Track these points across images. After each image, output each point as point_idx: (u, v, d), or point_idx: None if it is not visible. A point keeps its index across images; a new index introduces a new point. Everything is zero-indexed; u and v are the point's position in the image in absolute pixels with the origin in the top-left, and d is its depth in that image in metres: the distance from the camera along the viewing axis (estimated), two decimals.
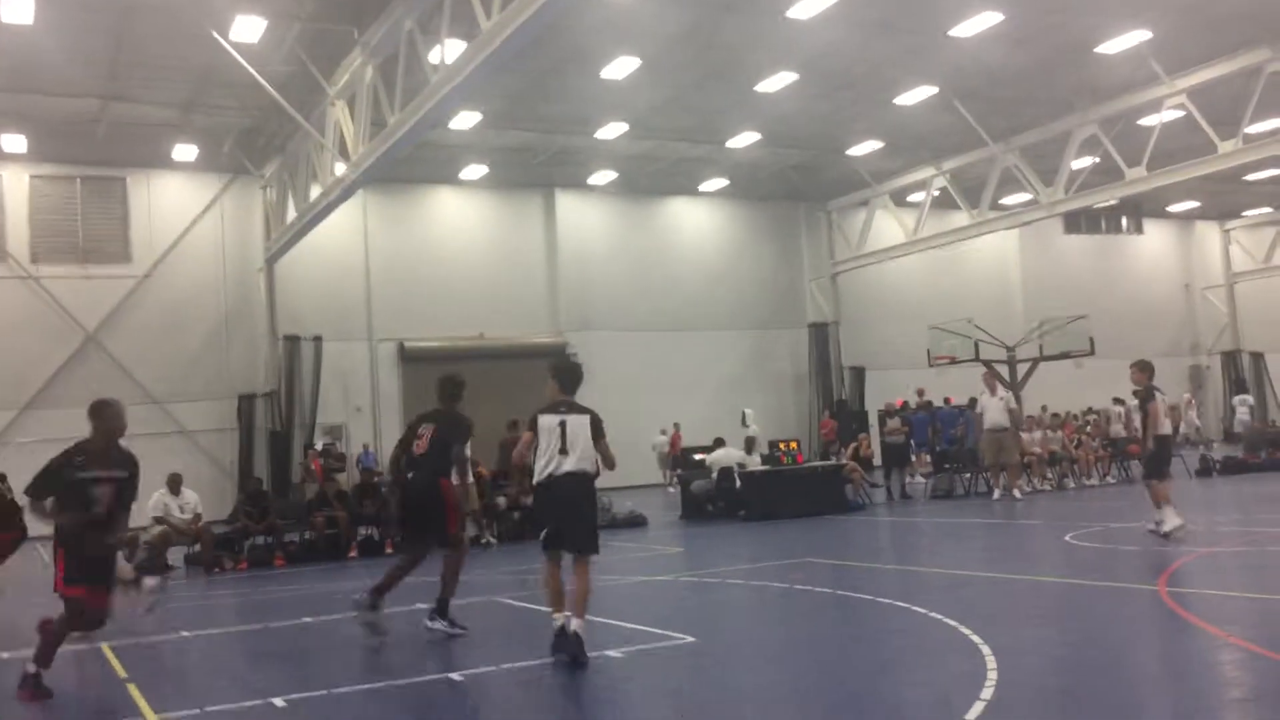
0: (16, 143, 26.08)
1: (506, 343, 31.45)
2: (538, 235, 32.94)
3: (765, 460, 21.19)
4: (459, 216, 32.15)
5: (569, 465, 7.66)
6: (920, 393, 24.84)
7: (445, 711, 6.64)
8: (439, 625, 8.98)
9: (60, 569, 7.35)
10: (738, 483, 19.10)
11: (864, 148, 30.57)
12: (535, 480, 7.86)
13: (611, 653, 7.83)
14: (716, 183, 33.70)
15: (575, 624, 7.41)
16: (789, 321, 35.54)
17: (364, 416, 29.57)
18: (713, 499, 19.63)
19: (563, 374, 8.17)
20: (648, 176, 32.37)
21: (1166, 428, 13.30)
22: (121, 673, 8.31)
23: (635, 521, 19.17)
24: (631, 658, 7.71)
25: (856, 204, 35.08)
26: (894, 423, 22.38)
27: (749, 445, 20.97)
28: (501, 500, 17.89)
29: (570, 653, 7.36)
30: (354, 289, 30.28)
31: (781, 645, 8.51)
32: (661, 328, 33.36)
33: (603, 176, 32.20)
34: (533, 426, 7.86)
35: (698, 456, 21.25)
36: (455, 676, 7.41)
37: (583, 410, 7.90)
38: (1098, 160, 27.89)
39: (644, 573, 12.85)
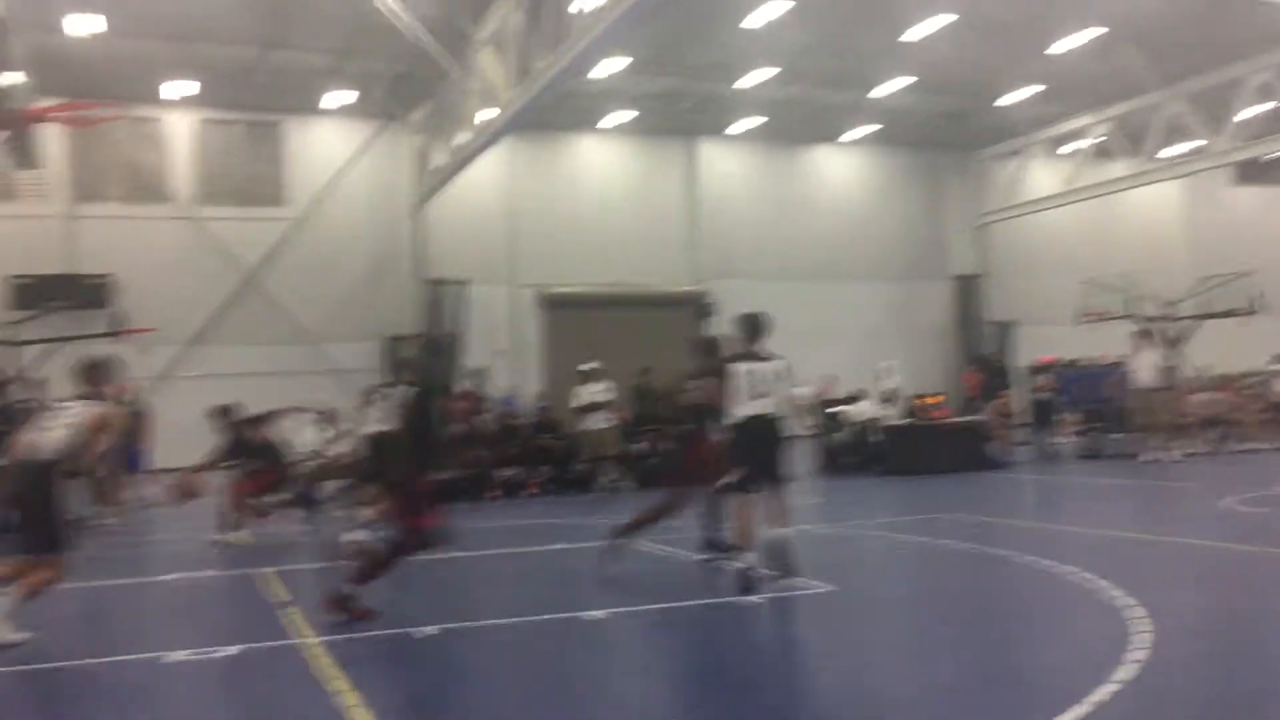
0: (187, 88, 27.15)
1: (645, 290, 31.55)
2: (679, 183, 32.86)
3: (905, 414, 20.85)
4: (602, 163, 32.27)
5: (767, 408, 8.25)
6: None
7: (578, 648, 6.76)
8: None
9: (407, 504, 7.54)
10: (876, 437, 18.85)
11: (1019, 94, 29.50)
12: (734, 423, 8.35)
13: (748, 598, 7.86)
14: (862, 130, 33.02)
15: (785, 532, 8.25)
16: (933, 273, 34.76)
17: (505, 360, 30.09)
18: (851, 452, 19.44)
19: (751, 325, 8.89)
20: (792, 124, 31.90)
21: None
22: (284, 596, 8.70)
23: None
24: (771, 604, 7.73)
25: (1008, 153, 33.94)
26: (1042, 379, 21.75)
27: (889, 398, 20.66)
28: (637, 446, 18.03)
29: (779, 567, 8.07)
30: (497, 235, 30.74)
31: (921, 598, 8.41)
32: (802, 277, 33.00)
33: (746, 124, 31.86)
34: (724, 374, 8.40)
35: (836, 409, 21.02)
36: (596, 614, 7.53)
37: (777, 358, 8.61)
38: (1276, 105, 26.34)
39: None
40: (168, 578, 10.13)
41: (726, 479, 8.50)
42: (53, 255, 27.19)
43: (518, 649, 6.89)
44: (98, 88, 24.68)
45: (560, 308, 30.94)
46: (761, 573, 8.18)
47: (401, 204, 29.90)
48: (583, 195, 31.75)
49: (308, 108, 28.91)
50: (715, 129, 32.15)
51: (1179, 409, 19.88)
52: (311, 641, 6.87)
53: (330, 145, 29.77)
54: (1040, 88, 28.95)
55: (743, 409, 8.26)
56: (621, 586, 9.04)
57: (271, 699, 5.72)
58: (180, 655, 6.66)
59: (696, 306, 32.32)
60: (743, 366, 8.43)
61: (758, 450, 8.25)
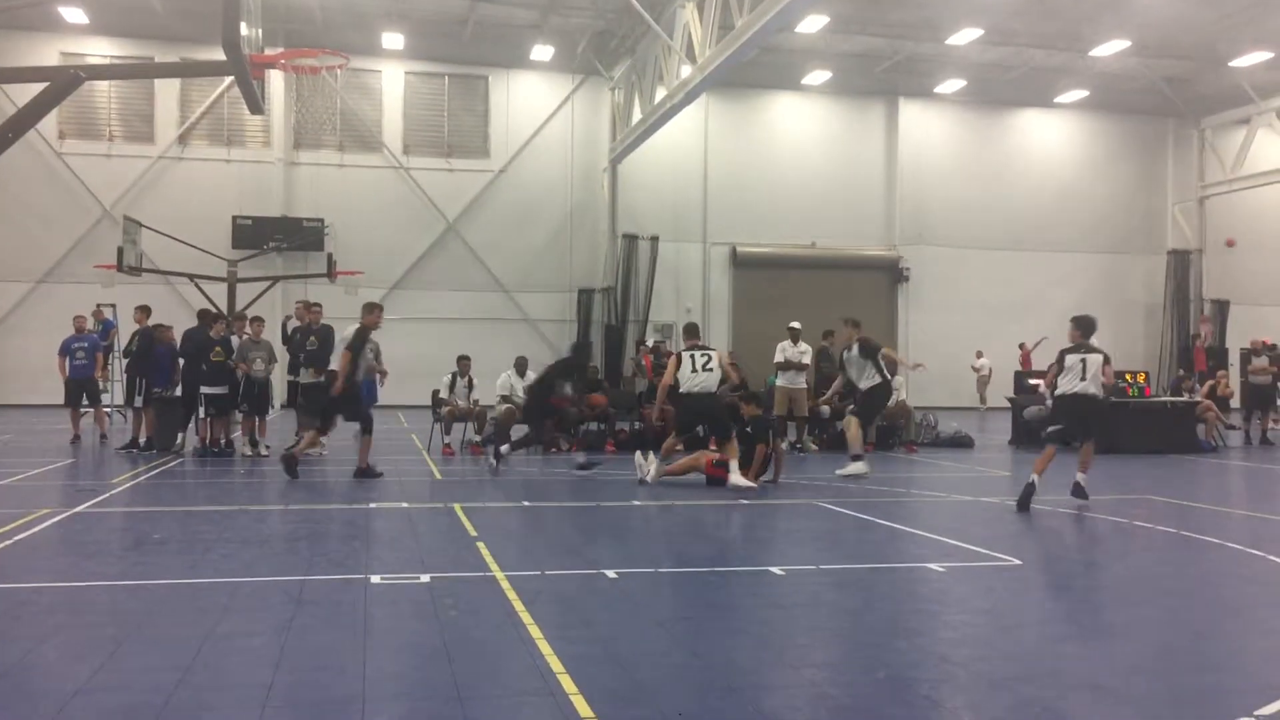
0: (395, 40, 28.13)
1: (838, 252, 31.18)
2: (877, 144, 32.22)
3: (1110, 391, 19.99)
4: (798, 123, 31.92)
5: (1088, 388, 11.29)
6: None
7: (765, 602, 6.81)
8: None
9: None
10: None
11: (1250, 59, 27.69)
12: (1057, 394, 11.57)
13: (934, 566, 7.77)
14: (1074, 94, 31.64)
15: (1081, 477, 11.45)
16: (1145, 247, 33.16)
17: (694, 317, 30.28)
18: (1045, 425, 18.78)
19: (1082, 323, 11.65)
20: (999, 86, 30.85)
21: None
22: (473, 532, 9.06)
23: (960, 442, 18.71)
24: (953, 572, 7.62)
25: (1235, 121, 31.94)
26: (1260, 361, 20.53)
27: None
28: (825, 410, 17.89)
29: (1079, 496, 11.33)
30: (691, 191, 30.84)
31: (1113, 578, 8.13)
32: (1002, 246, 32.01)
33: (950, 85, 30.97)
34: (1060, 360, 11.56)
35: (1032, 381, 20.34)
36: (776, 570, 7.59)
37: (1098, 350, 11.47)
38: None
39: (969, 493, 12.57)
40: (373, 506, 10.67)
41: (1052, 429, 11.64)
42: (273, 199, 28.74)
43: (694, 597, 7.00)
44: (316, 38, 25.84)
45: (751, 267, 30.89)
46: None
47: (599, 159, 30.32)
48: (778, 154, 31.51)
49: (512, 62, 29.56)
50: (918, 89, 31.39)
51: None
52: (500, 575, 7.15)
53: (532, 99, 30.38)
54: (1270, 54, 27.10)
55: (1068, 387, 11.41)
56: (810, 546, 9.07)
57: (465, 626, 5.99)
58: (379, 579, 7.05)
59: (890, 271, 31.76)
60: (1074, 357, 11.39)
61: (1073, 416, 11.45)
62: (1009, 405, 20.42)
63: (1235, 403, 21.82)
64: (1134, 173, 33.43)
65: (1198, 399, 19.61)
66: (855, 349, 14.14)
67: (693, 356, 12.77)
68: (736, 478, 12.05)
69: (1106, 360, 11.43)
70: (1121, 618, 6.72)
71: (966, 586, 7.38)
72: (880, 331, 29.11)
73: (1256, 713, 4.52)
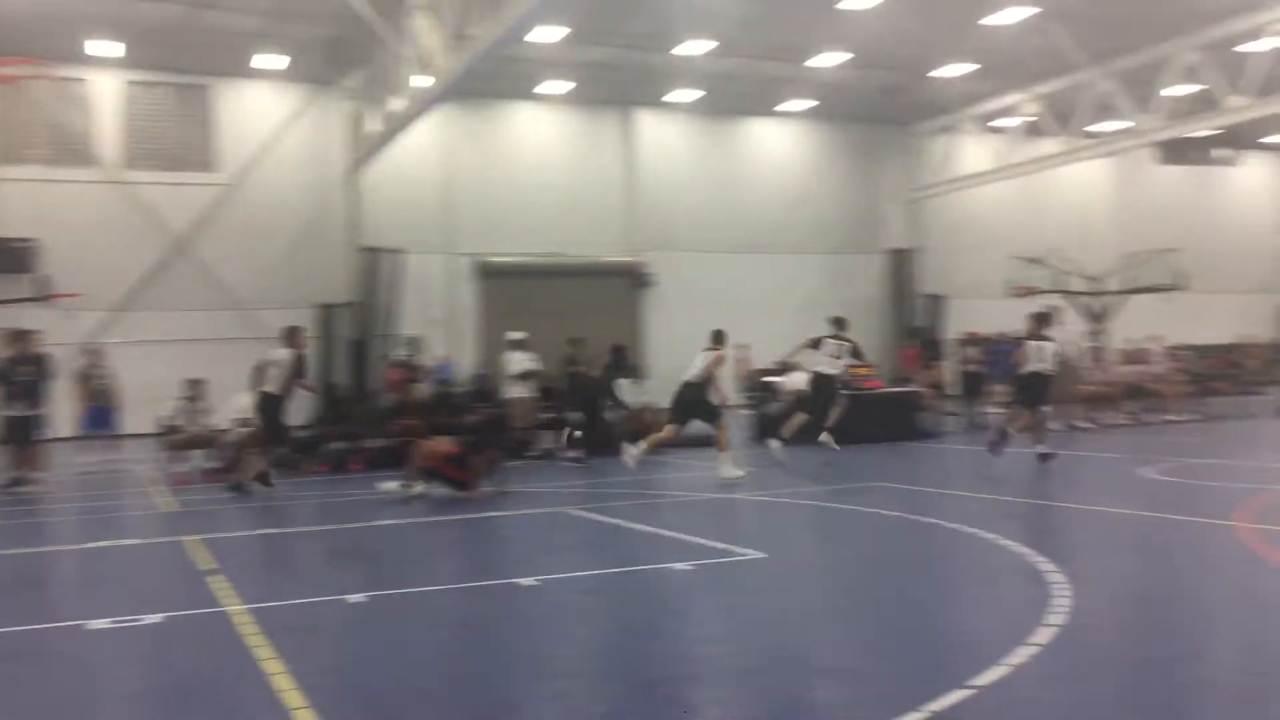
0: (114, 49, 26.47)
1: (581, 260, 31.49)
2: (616, 153, 32.77)
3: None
4: (539, 133, 32.07)
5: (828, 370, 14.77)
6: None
7: (511, 614, 6.79)
8: None
9: None
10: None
11: (953, 70, 29.78)
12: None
13: (679, 565, 7.93)
14: (800, 104, 33.15)
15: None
16: (868, 247, 35.08)
17: (441, 329, 29.90)
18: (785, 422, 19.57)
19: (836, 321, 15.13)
20: (730, 96, 31.93)
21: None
22: (208, 564, 8.61)
23: (706, 440, 19.20)
24: (699, 570, 7.81)
25: (942, 129, 34.29)
26: (972, 352, 22.08)
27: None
28: (575, 415, 18.04)
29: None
30: (434, 203, 30.46)
31: (849, 564, 8.55)
32: (739, 249, 33.15)
33: (684, 95, 31.83)
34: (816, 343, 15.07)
35: (770, 379, 21.16)
36: (527, 581, 7.56)
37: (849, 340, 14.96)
38: (1201, 89, 26.83)
39: (713, 491, 12.93)
40: (93, 545, 9.97)
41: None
42: None
43: (445, 616, 6.90)
44: (20, 45, 23.97)
45: (496, 277, 30.80)
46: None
47: (335, 171, 29.49)
48: (520, 164, 31.56)
49: (238, 71, 28.35)
50: (652, 100, 32.10)
51: (1102, 381, 20.35)
52: (237, 609, 6.82)
53: (262, 110, 29.25)
54: (973, 66, 29.22)
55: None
56: (560, 554, 9.09)
57: (197, 666, 5.68)
58: (103, 623, 6.58)
59: (633, 277, 32.37)
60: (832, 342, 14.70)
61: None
62: (751, 402, 21.16)
63: (953, 390, 23.34)
64: (855, 177, 35.33)
65: (918, 388, 20.90)
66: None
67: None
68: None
69: (855, 351, 14.80)
70: (856, 602, 7.07)
71: (713, 584, 7.58)
72: (625, 336, 29.58)
73: (971, 683, 4.83)
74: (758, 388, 21.35)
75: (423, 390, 18.90)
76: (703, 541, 8.93)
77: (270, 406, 13.71)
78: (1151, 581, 7.50)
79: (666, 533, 9.69)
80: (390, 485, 12.43)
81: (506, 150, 31.56)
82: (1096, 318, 27.53)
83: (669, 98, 31.98)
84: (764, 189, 34.01)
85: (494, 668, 5.56)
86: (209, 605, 7.00)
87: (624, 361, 19.24)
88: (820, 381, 15.19)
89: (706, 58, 28.30)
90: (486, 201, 30.83)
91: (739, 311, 32.43)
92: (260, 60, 27.72)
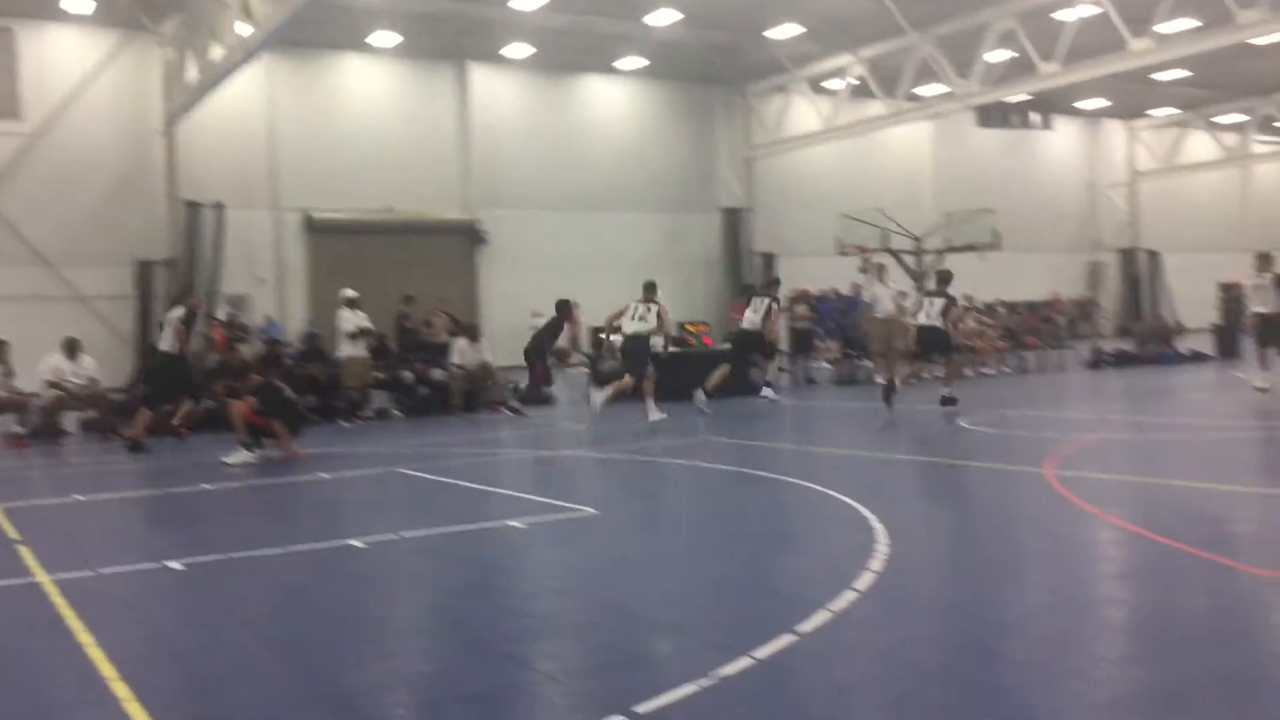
0: None
1: (415, 217, 30.88)
2: (450, 108, 32.15)
3: (673, 342, 21.29)
4: (369, 85, 31.19)
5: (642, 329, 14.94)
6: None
7: (339, 577, 6.66)
8: None
9: None
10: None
11: (784, 31, 30.20)
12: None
13: (513, 523, 7.91)
14: (634, 61, 33.12)
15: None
16: (702, 206, 35.43)
17: (268, 288, 28.96)
18: (620, 378, 19.72)
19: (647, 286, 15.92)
20: (565, 52, 31.66)
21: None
22: (13, 534, 8.17)
23: (541, 398, 19.21)
24: (532, 528, 7.81)
25: (774, 89, 34.77)
26: (801, 309, 22.61)
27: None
28: (408, 374, 17.79)
29: None
30: (259, 156, 29.33)
31: (680, 518, 8.68)
32: (575, 207, 33.03)
33: (518, 50, 31.41)
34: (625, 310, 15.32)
35: (603, 335, 21.28)
36: (356, 543, 7.43)
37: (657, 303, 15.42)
38: (1016, 56, 27.89)
39: (548, 448, 12.94)
40: None
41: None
42: None
43: (269, 580, 6.72)
44: None
45: (326, 233, 29.92)
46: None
47: (153, 121, 28.07)
48: (350, 117, 30.65)
49: (43, 13, 26.66)
50: (487, 53, 31.57)
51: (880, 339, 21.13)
52: (48, 579, 6.50)
53: (70, 55, 27.57)
54: (800, 28, 29.70)
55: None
56: (391, 514, 8.95)
57: (4, 640, 5.39)
58: None
59: (467, 235, 31.95)
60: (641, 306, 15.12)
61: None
62: (591, 359, 21.22)
63: (784, 347, 23.86)
64: (690, 136, 35.57)
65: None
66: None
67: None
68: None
69: (659, 315, 15.29)
70: (687, 554, 7.19)
71: (546, 540, 7.59)
72: (461, 295, 29.25)
73: (797, 629, 4.97)
74: (594, 344, 21.41)
75: (249, 350, 18.33)
76: (535, 499, 8.94)
77: (168, 365, 13.88)
78: (966, 527, 7.85)
79: (500, 490, 9.65)
80: (242, 455, 11.89)
81: (336, 103, 30.61)
82: (919, 275, 28.46)
83: (504, 52, 31.54)
84: (600, 147, 33.93)
85: (319, 631, 5.45)
86: (17, 576, 6.65)
87: (460, 322, 19.11)
88: (632, 343, 15.40)
89: (541, 12, 27.98)
90: (315, 156, 29.88)
91: (576, 269, 32.44)
92: (68, 2, 26.13)
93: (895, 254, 26.58)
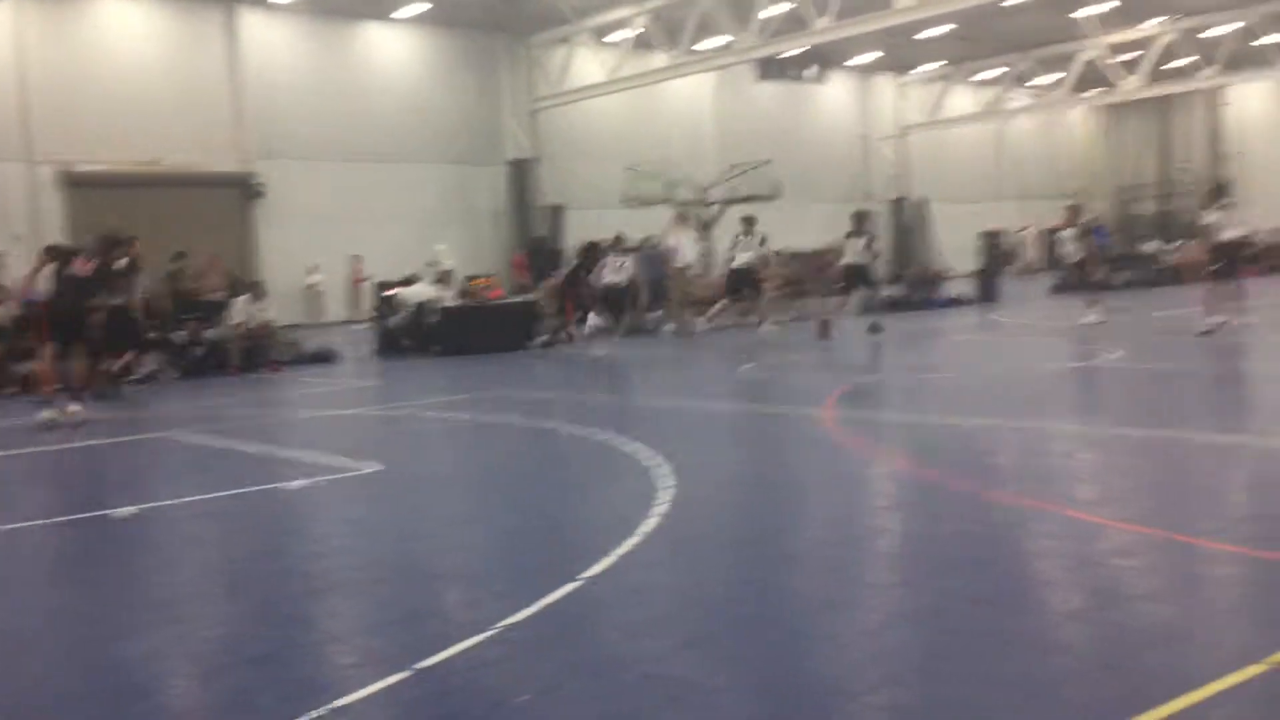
0: None
1: (186, 170, 29.41)
2: (219, 55, 30.63)
3: (460, 295, 21.08)
4: (130, 30, 29.36)
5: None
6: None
7: (113, 545, 6.36)
8: None
9: None
10: (432, 318, 18.97)
11: None
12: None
13: (295, 483, 7.72)
14: (414, 8, 32.33)
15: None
16: (488, 158, 35.07)
17: (25, 245, 27.07)
18: (407, 334, 19.43)
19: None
20: None
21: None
22: None
23: (323, 357, 18.72)
24: (316, 487, 7.64)
25: (558, 40, 34.62)
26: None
27: (443, 280, 20.79)
28: (181, 334, 17.01)
29: None
30: (7, 105, 27.29)
31: (469, 472, 8.66)
32: (356, 159, 32.14)
33: None
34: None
35: (391, 292, 20.87)
36: (132, 510, 7.09)
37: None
38: (795, 6, 28.58)
39: (333, 407, 12.65)
40: None
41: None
42: None
43: (36, 552, 6.37)
44: None
45: (87, 187, 28.13)
46: None
47: None
48: (110, 64, 28.82)
49: None
50: None
51: (708, 285, 21.68)
52: None
53: None
54: None
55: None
56: (169, 479, 8.60)
57: None
58: None
59: (242, 188, 30.64)
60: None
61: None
62: (377, 315, 20.77)
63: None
64: (474, 86, 35.06)
65: (537, 297, 21.28)
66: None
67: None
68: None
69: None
70: (474, 508, 7.19)
71: (331, 499, 7.45)
72: (237, 250, 28.15)
73: (583, 575, 5.06)
74: (379, 300, 20.97)
75: (4, 313, 17.09)
76: (319, 458, 8.74)
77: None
78: (747, 468, 8.14)
79: (282, 451, 9.39)
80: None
81: (94, 49, 28.70)
82: (704, 226, 29.00)
83: None
84: (380, 97, 33.05)
85: (94, 602, 5.21)
86: None
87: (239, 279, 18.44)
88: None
89: None
90: (73, 105, 27.99)
91: (359, 223, 31.63)
92: None
93: (681, 205, 27.01)
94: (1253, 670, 3.55)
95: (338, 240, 30.80)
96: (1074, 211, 19.81)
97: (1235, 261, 15.48)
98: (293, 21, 31.46)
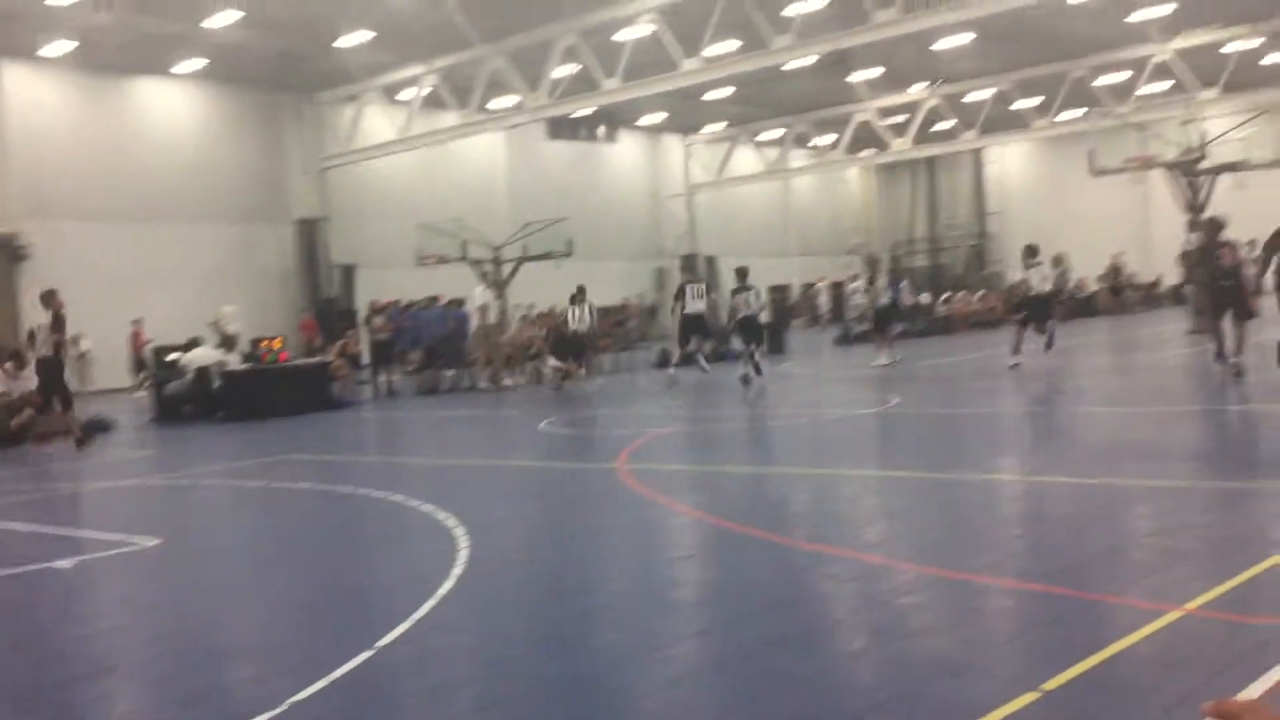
0: None
1: None
2: None
3: (246, 358, 20.35)
4: None
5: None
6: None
7: None
8: None
9: None
10: (216, 382, 18.22)
11: (353, 39, 29.70)
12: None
13: (60, 563, 7.21)
14: (193, 64, 31.30)
15: None
16: (275, 217, 34.12)
17: None
18: (189, 399, 18.59)
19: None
20: (113, 52, 29.34)
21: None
22: None
23: (98, 426, 17.68)
24: (84, 566, 7.17)
25: (346, 98, 34.13)
26: (380, 320, 22.36)
27: (228, 343, 20.04)
28: None
29: None
30: None
31: (256, 542, 8.30)
32: (134, 218, 30.73)
33: (59, 48, 28.76)
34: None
35: (172, 356, 19.95)
36: None
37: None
38: (581, 68, 29.06)
39: (108, 478, 11.94)
40: None
41: None
42: None
43: None
44: None
45: None
46: None
47: None
48: None
49: None
50: (22, 51, 28.66)
51: (508, 342, 21.63)
52: None
53: None
54: (372, 34, 29.33)
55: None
56: None
57: None
58: None
59: (7, 250, 28.81)
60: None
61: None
62: (154, 381, 19.79)
63: (366, 359, 23.49)
64: (259, 144, 34.13)
65: (329, 359, 20.77)
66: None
67: (693, 288, 19.88)
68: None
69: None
70: (262, 579, 6.88)
71: (103, 577, 7.00)
72: None
73: (377, 643, 4.89)
74: (158, 364, 20.01)
75: None
76: (93, 534, 8.23)
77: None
78: (545, 524, 8.08)
79: (50, 529, 8.79)
80: None
81: None
82: (498, 284, 28.93)
83: (42, 51, 28.74)
84: (158, 155, 31.78)
85: None
86: None
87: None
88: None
89: (79, 8, 25.75)
90: None
91: (136, 284, 30.17)
92: None
93: (474, 263, 26.87)
94: (1029, 697, 3.72)
95: (115, 304, 29.28)
96: (873, 266, 21.59)
97: (1048, 311, 17.52)
98: (62, 76, 29.98)
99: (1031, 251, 17.84)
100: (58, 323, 14.09)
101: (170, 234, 31.39)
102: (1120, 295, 35.52)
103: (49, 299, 14.22)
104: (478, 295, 21.21)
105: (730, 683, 4.23)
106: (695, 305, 19.16)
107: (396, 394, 21.62)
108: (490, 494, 9.44)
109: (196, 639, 5.45)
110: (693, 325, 19.39)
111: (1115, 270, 36.18)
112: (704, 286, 20.03)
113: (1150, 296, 38.67)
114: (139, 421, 18.97)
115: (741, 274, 19.43)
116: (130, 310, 29.08)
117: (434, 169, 36.58)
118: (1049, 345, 17.44)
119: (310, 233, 34.17)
